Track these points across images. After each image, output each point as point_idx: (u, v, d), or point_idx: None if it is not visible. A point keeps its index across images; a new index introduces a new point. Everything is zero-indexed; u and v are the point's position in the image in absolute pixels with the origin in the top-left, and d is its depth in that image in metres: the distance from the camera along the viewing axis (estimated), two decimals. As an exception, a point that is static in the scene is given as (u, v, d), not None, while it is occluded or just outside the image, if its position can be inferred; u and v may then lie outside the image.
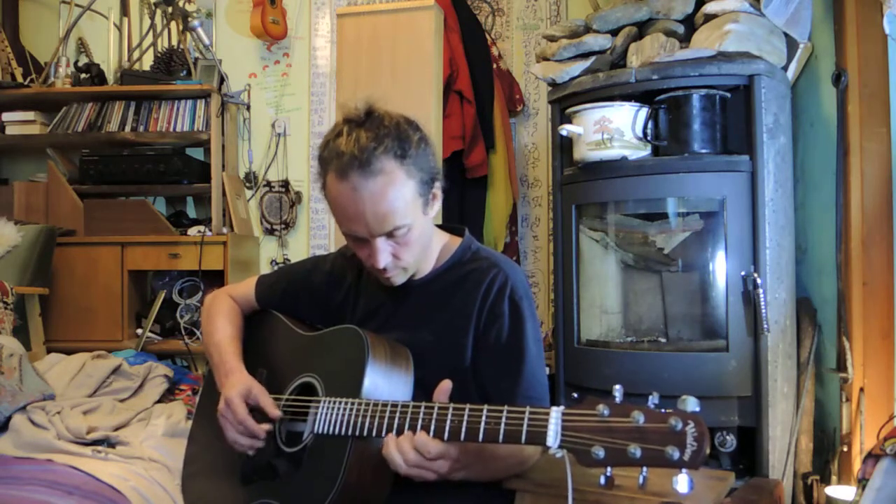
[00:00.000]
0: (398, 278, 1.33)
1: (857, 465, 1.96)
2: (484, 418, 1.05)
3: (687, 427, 0.87)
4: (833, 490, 1.99)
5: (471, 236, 1.44)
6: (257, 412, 1.33)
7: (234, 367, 1.41)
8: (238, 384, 1.36)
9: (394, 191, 1.21)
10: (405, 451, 1.11)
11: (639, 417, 0.91)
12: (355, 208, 1.22)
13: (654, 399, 0.92)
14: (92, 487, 1.82)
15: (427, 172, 1.26)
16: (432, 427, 1.09)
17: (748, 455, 2.03)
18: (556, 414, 0.98)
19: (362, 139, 1.20)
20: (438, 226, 1.45)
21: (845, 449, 2.05)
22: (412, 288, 1.38)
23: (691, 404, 0.89)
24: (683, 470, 0.88)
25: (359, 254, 1.31)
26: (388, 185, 1.20)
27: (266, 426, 1.32)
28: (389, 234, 1.25)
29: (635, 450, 0.90)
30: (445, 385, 1.18)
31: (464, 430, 1.06)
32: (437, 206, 1.32)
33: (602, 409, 0.94)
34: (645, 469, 0.91)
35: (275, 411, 1.32)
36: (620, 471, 0.94)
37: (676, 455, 0.87)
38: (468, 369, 1.32)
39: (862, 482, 1.68)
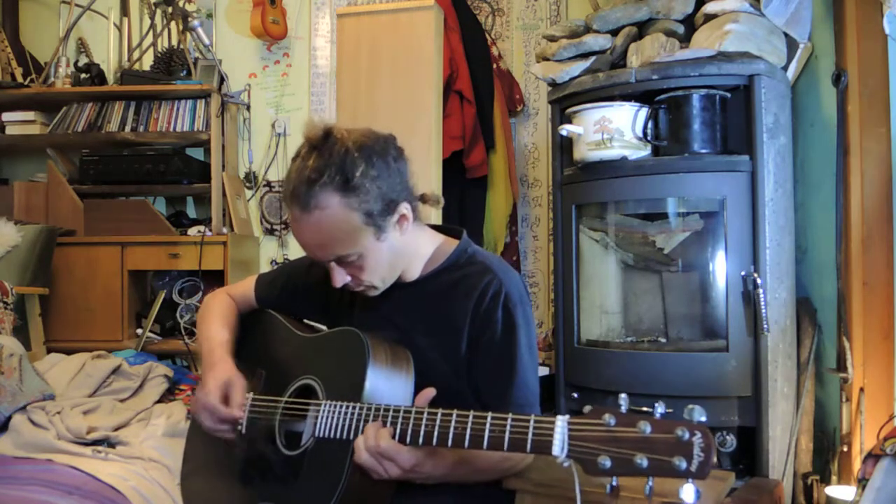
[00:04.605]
0: (370, 292, 1.34)
1: (857, 465, 1.96)
2: (488, 426, 1.04)
3: (694, 437, 0.87)
4: (833, 490, 1.99)
5: (468, 239, 1.42)
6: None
7: (219, 359, 1.42)
8: (219, 375, 1.37)
9: (332, 225, 1.21)
10: (367, 436, 1.13)
11: (645, 427, 0.90)
12: (297, 237, 1.27)
13: (660, 409, 0.92)
14: (92, 487, 1.82)
15: (380, 201, 1.23)
16: (435, 433, 1.09)
17: (748, 455, 2.02)
18: (561, 423, 0.97)
19: (307, 169, 1.22)
20: (435, 226, 1.45)
21: (845, 449, 2.05)
22: (407, 289, 1.37)
23: (697, 414, 0.89)
24: (690, 480, 0.88)
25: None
26: (325, 219, 1.21)
27: (238, 411, 1.33)
28: (339, 261, 1.27)
29: (642, 460, 0.89)
30: (428, 392, 1.20)
31: (468, 437, 1.06)
32: (406, 225, 1.30)
33: (608, 418, 0.94)
34: (651, 479, 0.91)
35: (238, 411, 1.34)
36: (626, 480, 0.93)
37: (684, 465, 0.87)
38: (463, 372, 1.32)
39: (862, 482, 1.69)
